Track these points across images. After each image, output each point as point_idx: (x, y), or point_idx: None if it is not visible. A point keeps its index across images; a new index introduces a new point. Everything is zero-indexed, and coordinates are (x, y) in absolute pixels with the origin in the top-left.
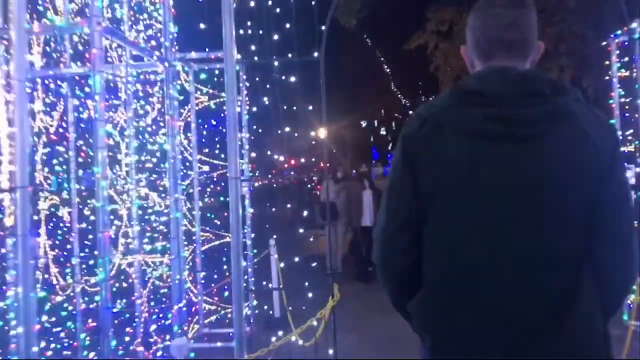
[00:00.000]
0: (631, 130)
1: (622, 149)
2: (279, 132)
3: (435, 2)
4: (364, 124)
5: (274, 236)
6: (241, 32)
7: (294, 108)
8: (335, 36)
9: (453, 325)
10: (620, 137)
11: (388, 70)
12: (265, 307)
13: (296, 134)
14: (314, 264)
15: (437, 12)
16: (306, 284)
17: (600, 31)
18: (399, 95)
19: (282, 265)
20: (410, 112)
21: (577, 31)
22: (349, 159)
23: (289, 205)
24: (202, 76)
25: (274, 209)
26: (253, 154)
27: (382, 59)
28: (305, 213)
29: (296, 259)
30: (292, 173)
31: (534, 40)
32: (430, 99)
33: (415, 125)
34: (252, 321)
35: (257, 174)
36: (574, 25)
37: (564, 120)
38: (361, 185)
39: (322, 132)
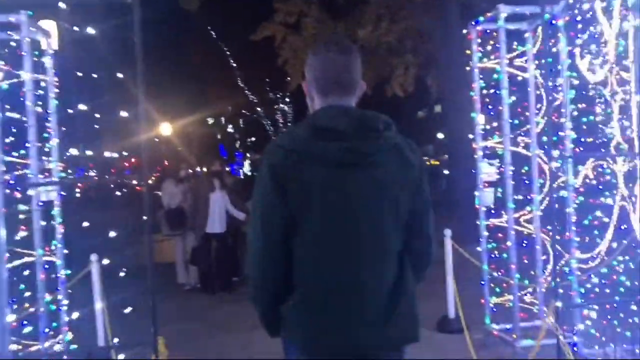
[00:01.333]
0: (495, 124)
1: (484, 143)
2: (99, 123)
3: None
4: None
5: (94, 254)
6: None
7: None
8: (177, 23)
9: (320, 315)
10: (483, 131)
11: (235, 63)
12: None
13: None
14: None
15: (285, 2)
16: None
17: (447, 26)
18: (247, 91)
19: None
20: (259, 108)
21: (423, 28)
22: (195, 157)
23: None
24: None
25: (100, 218)
26: (73, 150)
27: (228, 51)
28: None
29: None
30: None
31: (359, 80)
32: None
33: (281, 156)
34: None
35: (69, 175)
36: (420, 22)
37: (393, 150)
38: (210, 186)
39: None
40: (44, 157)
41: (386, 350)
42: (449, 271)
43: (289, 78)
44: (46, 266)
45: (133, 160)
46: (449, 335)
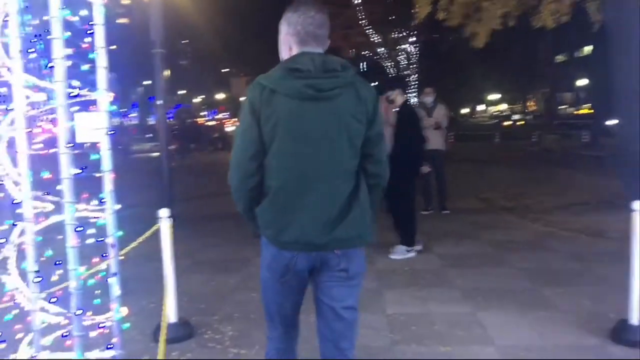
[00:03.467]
0: None
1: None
2: None
3: None
4: None
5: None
6: None
7: None
8: None
9: (287, 216)
10: None
11: None
12: None
13: None
14: None
15: None
16: None
17: None
18: (368, 30)
19: None
20: (380, 49)
21: None
22: None
23: None
24: None
25: None
26: None
27: None
28: None
29: None
30: None
31: (327, 35)
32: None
33: (258, 91)
34: None
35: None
36: None
37: (348, 87)
38: None
39: None
40: None
41: (336, 248)
42: (636, 257)
43: (416, 8)
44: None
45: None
46: (628, 348)
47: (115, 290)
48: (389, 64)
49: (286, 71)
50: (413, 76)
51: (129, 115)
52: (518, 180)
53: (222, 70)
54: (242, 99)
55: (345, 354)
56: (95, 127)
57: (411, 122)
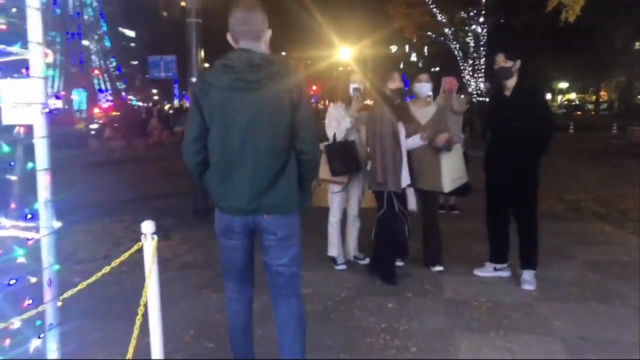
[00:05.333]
0: None
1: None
2: None
3: None
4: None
5: None
6: None
7: None
8: None
9: (224, 186)
10: None
11: None
12: None
13: None
14: None
15: None
16: None
17: None
18: (433, 8)
19: None
20: (447, 30)
21: None
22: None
23: None
24: None
25: None
26: None
27: None
28: None
29: None
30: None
31: (263, 29)
32: None
33: (199, 84)
34: None
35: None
36: None
37: (273, 79)
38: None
39: None
40: None
41: (265, 212)
42: None
43: None
44: None
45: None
46: None
47: (53, 354)
48: (455, 47)
49: (220, 67)
50: (481, 60)
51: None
52: (607, 179)
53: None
54: None
55: (289, 300)
56: (25, 102)
57: (536, 100)
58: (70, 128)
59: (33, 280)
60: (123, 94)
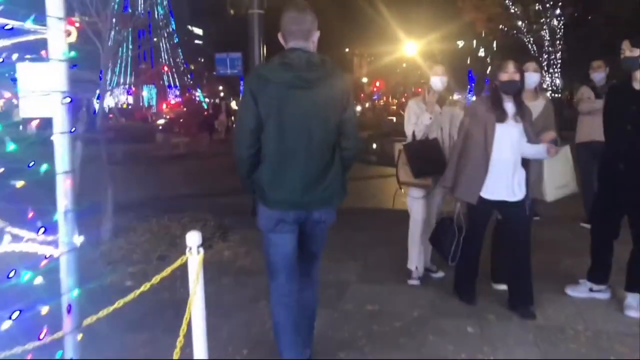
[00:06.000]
0: None
1: None
2: None
3: None
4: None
5: None
6: None
7: None
8: None
9: (279, 181)
10: None
11: None
12: None
13: None
14: None
15: None
16: None
17: None
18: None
19: None
20: (520, 23)
21: None
22: None
23: None
24: None
25: None
26: None
27: None
28: None
29: None
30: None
31: (312, 30)
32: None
33: (256, 80)
34: None
35: None
36: None
37: (328, 78)
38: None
39: None
40: None
41: (317, 206)
42: None
43: None
44: None
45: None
46: None
47: None
48: (529, 41)
49: (279, 64)
50: (557, 54)
51: None
52: None
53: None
54: (364, 79)
55: (312, 287)
56: (43, 91)
57: None
58: (139, 123)
59: (44, 310)
60: (189, 90)
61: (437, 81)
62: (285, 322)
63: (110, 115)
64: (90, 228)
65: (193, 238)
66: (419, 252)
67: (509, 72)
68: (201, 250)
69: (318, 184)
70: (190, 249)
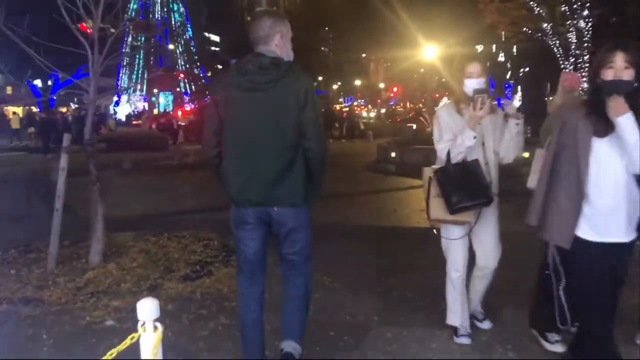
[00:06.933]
0: None
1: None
2: None
3: None
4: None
5: None
6: None
7: None
8: None
9: (235, 178)
10: None
11: None
12: None
13: None
14: None
15: None
16: None
17: None
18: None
19: None
20: (545, 25)
21: None
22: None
23: None
24: None
25: None
26: None
27: None
28: None
29: None
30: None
31: (272, 34)
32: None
33: (218, 84)
34: None
35: None
36: None
37: (282, 81)
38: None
39: None
40: None
41: (273, 204)
42: None
43: None
44: None
45: (395, 89)
46: None
47: None
48: (554, 44)
49: (236, 69)
50: (584, 57)
51: None
52: None
53: (362, 55)
54: (381, 85)
55: (297, 278)
56: None
57: None
58: (151, 131)
59: None
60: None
61: (474, 84)
62: (243, 319)
63: (102, 130)
64: (80, 249)
65: (146, 309)
66: (462, 304)
67: (616, 68)
68: (159, 325)
69: (274, 184)
70: (144, 323)
